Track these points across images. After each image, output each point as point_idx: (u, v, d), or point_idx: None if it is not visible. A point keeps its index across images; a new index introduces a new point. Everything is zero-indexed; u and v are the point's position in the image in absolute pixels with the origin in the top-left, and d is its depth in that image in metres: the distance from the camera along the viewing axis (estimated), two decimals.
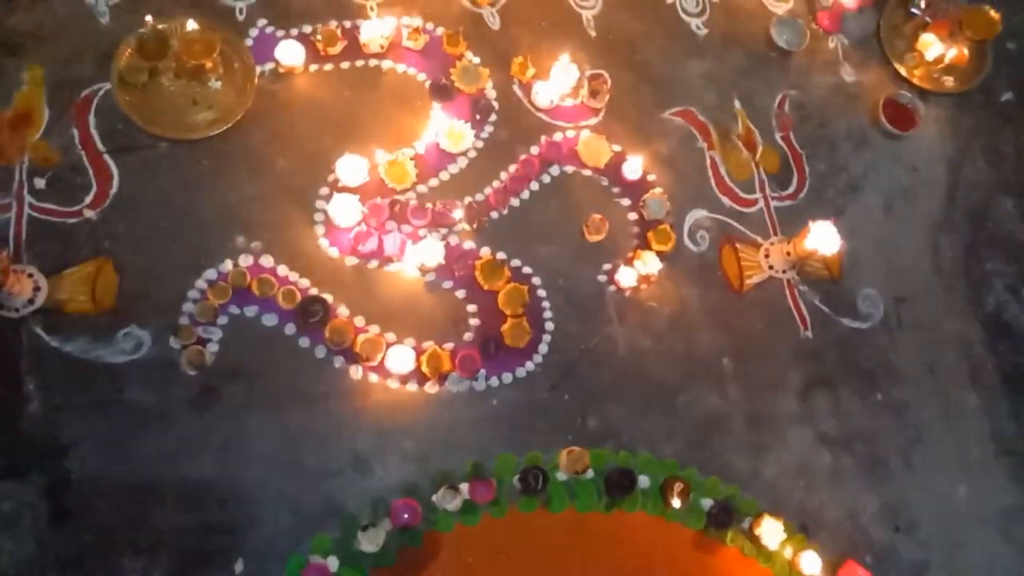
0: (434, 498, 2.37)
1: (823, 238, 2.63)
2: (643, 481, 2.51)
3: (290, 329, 2.45)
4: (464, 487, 2.38)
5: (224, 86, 2.63)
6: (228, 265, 2.46)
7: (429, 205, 2.67)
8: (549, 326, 2.64)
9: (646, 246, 2.77)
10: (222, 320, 2.42)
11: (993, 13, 3.19)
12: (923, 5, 3.28)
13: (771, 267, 2.84)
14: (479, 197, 2.73)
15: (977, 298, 3.05)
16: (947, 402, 2.90)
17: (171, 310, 2.39)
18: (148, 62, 2.52)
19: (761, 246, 2.87)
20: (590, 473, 2.47)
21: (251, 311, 2.45)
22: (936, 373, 2.92)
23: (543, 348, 2.61)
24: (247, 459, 2.32)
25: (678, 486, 2.47)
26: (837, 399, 2.79)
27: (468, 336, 2.57)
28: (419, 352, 2.50)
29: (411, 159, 2.70)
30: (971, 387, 2.94)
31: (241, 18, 2.74)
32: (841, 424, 2.76)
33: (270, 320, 2.45)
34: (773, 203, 2.97)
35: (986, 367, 2.97)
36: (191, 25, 2.54)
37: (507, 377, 2.55)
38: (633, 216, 2.83)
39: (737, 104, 3.06)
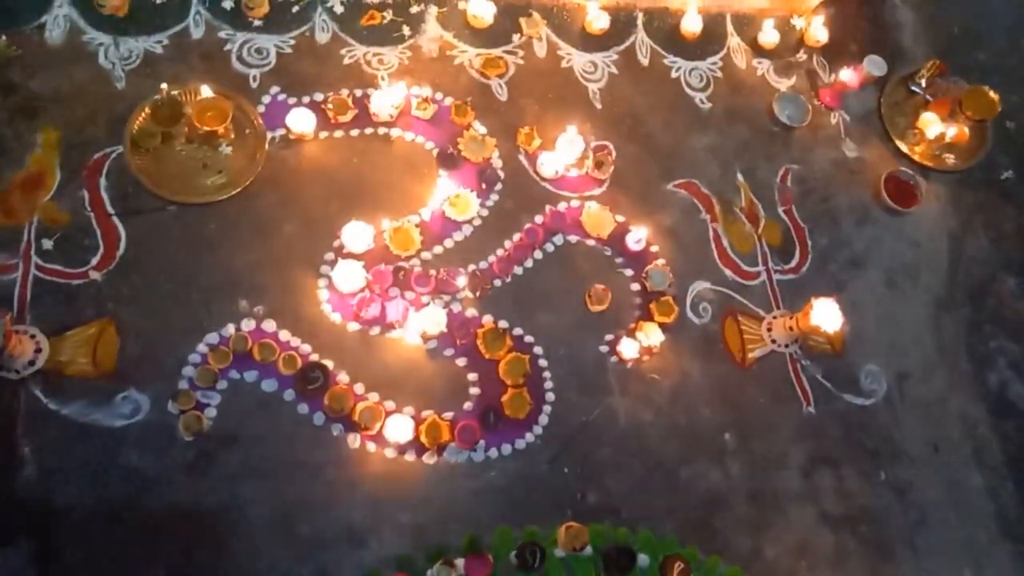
0: (429, 573, 2.32)
1: (826, 315, 2.63)
2: (642, 560, 2.47)
3: (289, 395, 2.44)
4: (460, 562, 2.34)
5: (235, 151, 2.67)
6: (230, 329, 2.47)
7: (433, 272, 2.68)
8: (550, 396, 2.62)
9: (648, 317, 2.77)
10: (221, 385, 2.41)
11: (992, 94, 3.25)
12: (924, 84, 3.35)
13: (773, 341, 2.83)
14: (483, 265, 2.75)
15: (980, 376, 3.03)
16: (951, 482, 2.86)
17: (171, 374, 2.39)
18: (161, 127, 2.56)
19: (764, 319, 2.87)
20: (588, 550, 2.42)
21: (251, 376, 2.44)
22: (940, 452, 2.89)
23: (543, 419, 2.59)
24: (241, 528, 2.29)
25: (678, 566, 2.43)
26: (840, 477, 2.75)
27: (468, 405, 2.56)
28: (418, 421, 2.48)
29: (416, 226, 2.73)
30: (976, 467, 2.90)
31: (254, 85, 2.80)
32: (844, 503, 2.72)
33: (270, 386, 2.44)
34: (775, 276, 2.98)
35: (990, 447, 2.94)
36: (205, 92, 2.60)
37: (506, 448, 2.53)
38: (636, 287, 2.84)
39: (740, 177, 3.10)
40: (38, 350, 2.30)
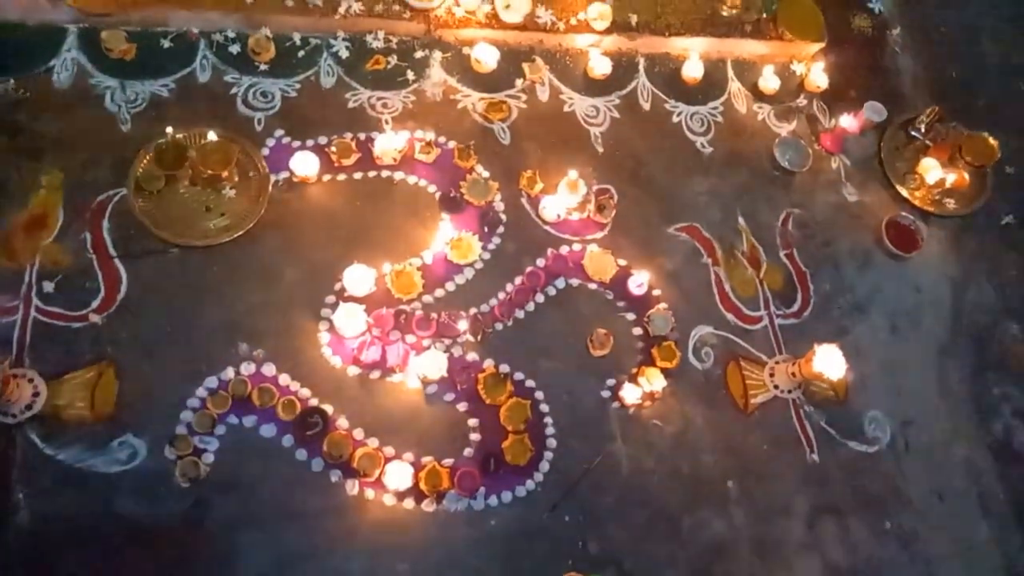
0: None
1: (829, 362, 2.62)
2: None
3: (288, 441, 2.42)
4: None
5: (238, 194, 2.68)
6: (230, 373, 2.45)
7: (434, 316, 2.67)
8: (551, 443, 2.60)
9: (650, 362, 2.76)
10: (220, 430, 2.39)
11: (992, 140, 3.28)
12: (923, 129, 3.37)
13: (776, 387, 2.82)
14: (484, 308, 2.74)
15: (985, 423, 3.01)
16: (957, 532, 2.82)
17: (169, 418, 2.37)
18: (166, 171, 2.58)
19: (766, 365, 2.85)
20: None
21: (250, 421, 2.42)
22: (945, 501, 2.85)
23: (544, 466, 2.56)
24: None
25: None
26: (845, 527, 2.71)
27: (468, 451, 2.53)
28: (418, 468, 2.46)
29: (418, 269, 2.72)
30: (982, 517, 2.87)
31: (259, 128, 2.82)
32: (850, 554, 2.68)
33: (268, 431, 2.42)
34: (778, 321, 2.96)
35: (996, 496, 2.90)
36: (210, 136, 2.61)
37: (507, 496, 2.50)
38: (638, 331, 2.83)
39: (741, 221, 3.11)
40: (36, 394, 2.28)
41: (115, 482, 2.27)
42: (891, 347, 3.04)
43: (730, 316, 2.92)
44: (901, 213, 3.24)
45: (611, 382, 2.72)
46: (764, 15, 3.40)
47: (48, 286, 2.44)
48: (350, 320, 2.55)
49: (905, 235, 3.21)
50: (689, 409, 2.75)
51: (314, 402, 2.48)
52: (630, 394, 2.67)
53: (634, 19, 3.24)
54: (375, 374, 2.57)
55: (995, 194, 3.40)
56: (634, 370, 2.75)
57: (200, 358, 2.45)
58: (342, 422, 2.48)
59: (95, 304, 2.45)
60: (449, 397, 2.59)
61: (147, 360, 2.42)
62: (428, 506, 2.43)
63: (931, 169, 3.28)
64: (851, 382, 2.87)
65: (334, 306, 2.59)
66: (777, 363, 2.85)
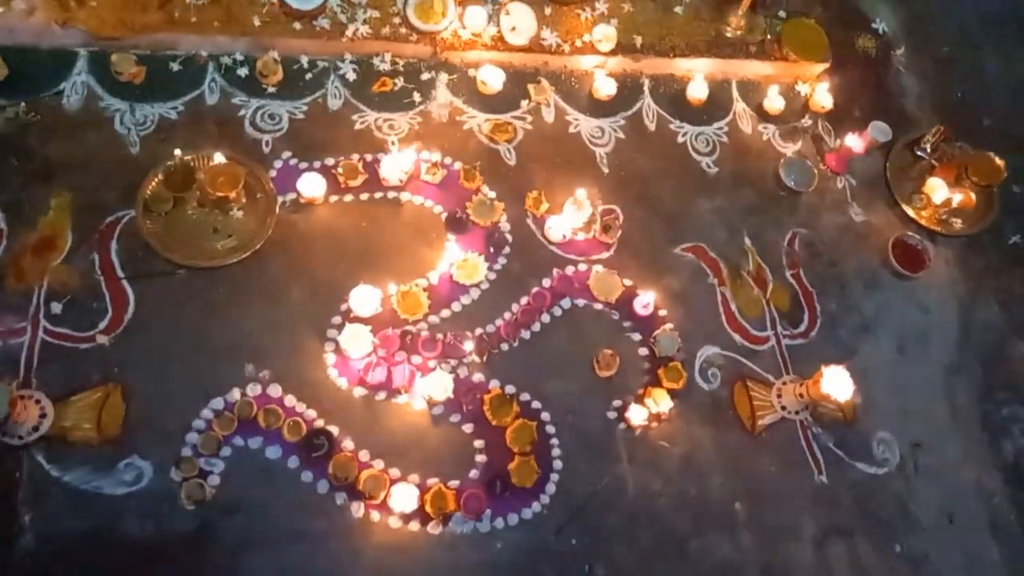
0: None
1: (836, 383, 2.61)
2: None
3: (293, 462, 2.41)
4: None
5: (246, 215, 2.69)
6: (236, 394, 2.45)
7: (440, 336, 2.67)
8: (557, 464, 2.58)
9: (657, 383, 2.75)
10: (225, 451, 2.38)
11: (998, 160, 3.28)
12: (929, 149, 3.37)
13: (784, 408, 2.80)
14: (490, 329, 2.74)
15: (995, 444, 2.99)
16: (968, 555, 2.79)
17: (175, 440, 2.37)
18: (174, 192, 2.59)
19: (773, 385, 2.84)
20: None
21: (255, 443, 2.42)
22: (955, 523, 2.82)
23: (550, 488, 2.55)
24: None
25: None
26: (855, 550, 2.69)
27: (474, 473, 2.52)
28: (423, 490, 2.45)
29: (424, 290, 2.73)
30: (992, 539, 2.84)
31: (267, 150, 2.84)
32: None
33: (274, 453, 2.42)
34: (785, 341, 2.96)
35: (1007, 517, 2.88)
36: (218, 158, 2.63)
37: (513, 519, 2.48)
38: (644, 351, 2.82)
39: (747, 241, 3.10)
40: (42, 415, 2.29)
41: (120, 504, 2.27)
42: (899, 367, 3.03)
43: (737, 336, 2.92)
44: (908, 233, 3.24)
45: (617, 403, 2.71)
46: (768, 36, 3.42)
47: (56, 307, 2.45)
48: (356, 341, 2.56)
49: (912, 255, 3.20)
50: (696, 430, 2.74)
51: (320, 423, 2.48)
52: (636, 415, 2.66)
53: (639, 41, 3.26)
54: (381, 395, 2.56)
55: (1002, 214, 3.39)
56: (640, 391, 2.74)
57: (206, 379, 2.46)
58: (347, 443, 2.47)
59: (103, 325, 2.46)
60: (455, 418, 2.58)
61: (153, 381, 2.42)
62: (434, 528, 2.42)
63: (937, 189, 3.27)
64: (859, 403, 2.85)
65: (340, 327, 2.60)
66: (784, 384, 2.83)
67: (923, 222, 3.30)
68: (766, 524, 2.65)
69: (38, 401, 2.30)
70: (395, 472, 2.46)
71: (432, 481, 2.47)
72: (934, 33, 3.83)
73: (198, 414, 2.40)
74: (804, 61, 3.43)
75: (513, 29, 3.14)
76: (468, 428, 2.58)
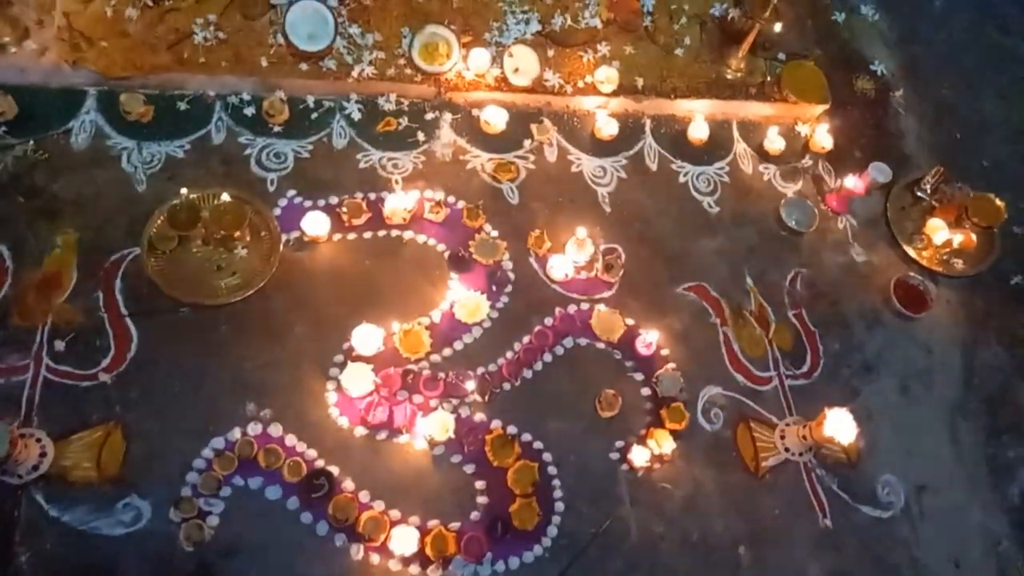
0: None
1: (840, 426, 2.59)
2: None
3: (293, 503, 2.40)
4: None
5: (250, 253, 2.71)
6: (236, 433, 2.44)
7: (441, 375, 2.67)
8: (559, 507, 2.56)
9: (659, 424, 2.74)
10: (225, 492, 2.37)
11: (998, 201, 3.29)
12: (929, 190, 3.39)
13: (787, 449, 2.78)
14: (492, 368, 2.73)
15: (1001, 488, 2.96)
16: None
17: (175, 480, 2.35)
18: (179, 231, 2.61)
19: (777, 427, 2.83)
20: None
21: (255, 483, 2.40)
22: (962, 569, 2.79)
23: (552, 531, 2.52)
24: None
25: None
26: None
27: (475, 515, 2.50)
28: (423, 532, 2.42)
29: (426, 328, 2.73)
30: None
31: (272, 188, 2.86)
32: None
33: (273, 493, 2.40)
34: (788, 382, 2.95)
35: (1015, 564, 2.83)
36: (224, 197, 2.65)
37: (514, 562, 2.46)
38: (646, 391, 2.81)
39: (749, 281, 3.11)
40: (43, 454, 2.28)
41: (119, 545, 2.24)
42: (902, 409, 3.01)
43: (739, 377, 2.91)
44: (910, 274, 3.24)
45: (620, 444, 2.69)
46: (768, 78, 3.47)
47: (59, 345, 2.45)
48: (357, 380, 2.56)
49: (914, 295, 3.20)
50: (699, 472, 2.72)
51: (320, 464, 2.46)
52: (639, 456, 2.64)
53: (640, 82, 3.31)
54: (382, 435, 2.55)
55: (1003, 255, 3.39)
56: (643, 432, 2.73)
57: (207, 418, 2.45)
58: (348, 484, 2.45)
59: (105, 363, 2.46)
60: (456, 459, 2.57)
61: (155, 420, 2.41)
62: (434, 572, 2.39)
63: (938, 230, 3.29)
64: (863, 445, 2.84)
65: (342, 365, 2.59)
66: (788, 425, 2.82)
67: (924, 262, 3.30)
68: (770, 568, 2.62)
69: (39, 440, 2.29)
70: (395, 514, 2.44)
71: (433, 523, 2.45)
72: (932, 75, 3.88)
73: (199, 453, 2.39)
74: (804, 102, 3.46)
75: (516, 70, 3.18)
76: (469, 469, 2.56)
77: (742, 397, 2.87)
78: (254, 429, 2.46)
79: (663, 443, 2.66)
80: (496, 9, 3.23)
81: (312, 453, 2.48)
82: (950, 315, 3.25)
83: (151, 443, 2.38)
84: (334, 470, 2.46)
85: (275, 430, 2.48)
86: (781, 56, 3.53)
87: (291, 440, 2.48)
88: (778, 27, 3.32)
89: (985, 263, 3.37)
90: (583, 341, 2.85)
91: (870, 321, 3.16)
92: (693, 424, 2.78)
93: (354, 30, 3.07)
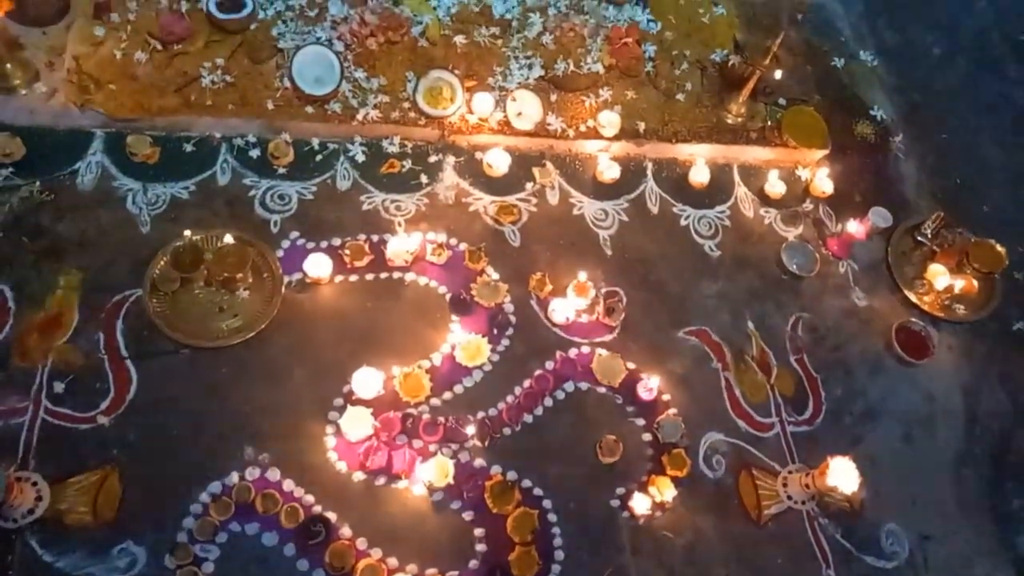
0: None
1: (843, 475, 2.57)
2: None
3: (290, 550, 2.37)
4: None
5: (252, 294, 2.71)
6: (234, 478, 2.42)
7: (441, 420, 2.65)
8: (559, 555, 2.53)
9: (661, 470, 2.71)
10: (221, 537, 2.34)
11: (999, 247, 3.30)
12: (929, 235, 3.40)
13: (790, 497, 2.75)
14: (492, 412, 2.72)
15: (1007, 538, 2.92)
16: None
17: (171, 524, 2.33)
18: (181, 273, 2.62)
19: (779, 474, 2.80)
20: None
21: (252, 529, 2.37)
22: None
23: None
24: None
25: None
26: None
27: (473, 563, 2.47)
28: None
29: (426, 371, 2.72)
30: None
31: (275, 230, 2.88)
32: None
33: (270, 539, 2.37)
34: (790, 428, 2.93)
35: None
36: (227, 239, 2.67)
37: None
38: (647, 437, 2.79)
39: (750, 325, 3.11)
40: (39, 498, 2.25)
41: None
42: (906, 456, 2.99)
43: (741, 423, 2.89)
44: (911, 319, 3.24)
45: (621, 491, 2.67)
46: (768, 123, 3.50)
47: (59, 387, 2.44)
48: (357, 423, 2.54)
49: (916, 341, 3.19)
50: (700, 520, 2.69)
51: (318, 509, 2.44)
52: (640, 504, 2.62)
53: (642, 126, 3.34)
54: (380, 480, 2.53)
55: (1005, 300, 3.40)
56: (644, 478, 2.70)
57: (205, 462, 2.43)
58: (345, 531, 2.43)
59: (104, 405, 2.45)
60: (455, 505, 2.54)
61: (152, 463, 2.40)
62: None
63: (939, 275, 3.29)
64: (866, 493, 2.80)
65: (342, 409, 2.58)
66: (790, 473, 2.79)
67: (926, 307, 3.30)
68: None
69: (35, 483, 2.27)
70: (393, 561, 2.41)
71: (430, 571, 2.42)
72: (931, 120, 3.91)
73: (195, 498, 2.37)
74: (804, 147, 3.49)
75: (519, 114, 3.22)
76: (468, 516, 2.53)
77: (744, 444, 2.86)
78: (252, 473, 2.45)
79: (664, 490, 2.63)
80: (500, 55, 3.28)
81: (310, 498, 2.45)
82: (952, 361, 3.24)
83: (148, 487, 2.36)
84: (332, 516, 2.43)
85: (273, 475, 2.46)
86: (781, 101, 3.58)
87: (289, 485, 2.46)
88: (778, 74, 3.36)
89: (987, 309, 3.37)
90: (584, 385, 2.84)
91: (872, 366, 3.15)
92: (695, 471, 2.75)
93: (359, 74, 3.11)
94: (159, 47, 2.94)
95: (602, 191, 3.27)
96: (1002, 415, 3.17)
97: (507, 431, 2.70)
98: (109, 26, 2.95)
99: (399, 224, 2.99)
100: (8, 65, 2.78)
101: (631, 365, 2.89)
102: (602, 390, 2.85)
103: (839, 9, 4.20)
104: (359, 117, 3.06)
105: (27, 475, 2.28)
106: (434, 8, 3.26)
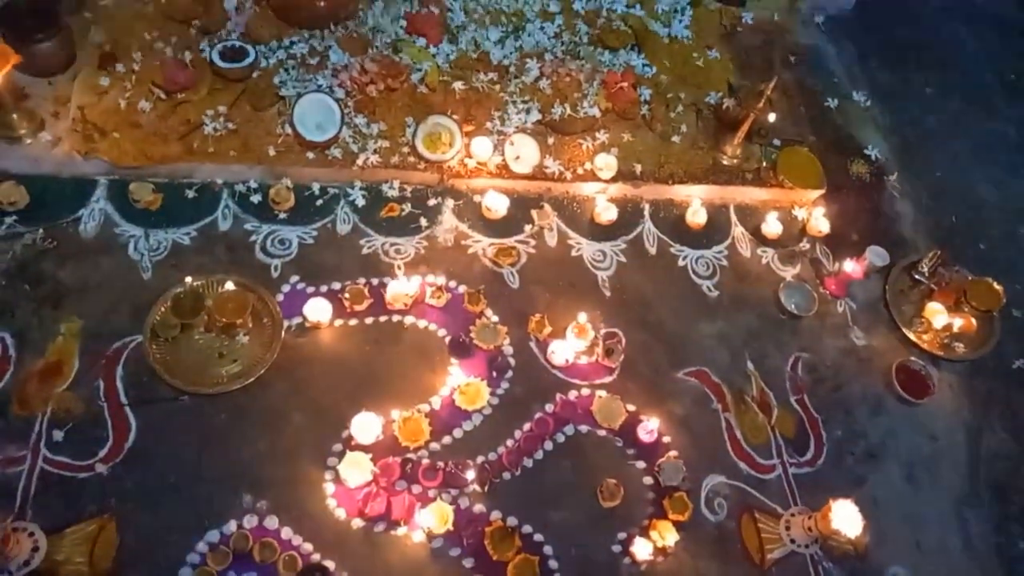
0: None
1: (846, 518, 2.54)
2: None
3: None
4: None
5: (251, 340, 2.72)
6: (232, 526, 2.41)
7: (441, 465, 2.64)
8: None
9: (662, 514, 2.69)
10: None
11: (996, 285, 3.32)
12: (927, 273, 3.41)
13: (792, 540, 2.72)
14: (492, 456, 2.71)
15: None
16: None
17: (168, 575, 2.30)
18: (182, 319, 2.63)
19: (782, 517, 2.78)
20: None
21: None
22: None
23: None
24: None
25: None
26: None
27: None
28: None
29: (426, 416, 2.72)
30: None
31: (276, 274, 2.89)
32: None
33: None
34: (791, 470, 2.91)
35: None
36: (228, 285, 2.68)
37: None
38: (648, 480, 2.78)
39: (750, 365, 3.10)
40: (35, 548, 2.23)
41: None
42: (909, 497, 2.96)
43: (743, 465, 2.87)
44: (911, 358, 3.24)
45: (622, 536, 2.65)
46: (764, 164, 3.54)
47: (58, 435, 2.44)
48: (356, 469, 2.53)
49: (916, 380, 3.19)
50: (703, 564, 2.66)
51: (316, 557, 2.42)
52: (642, 549, 2.59)
53: (638, 168, 3.38)
54: (380, 527, 2.51)
55: (1004, 338, 3.39)
56: (645, 522, 2.68)
57: (203, 510, 2.42)
58: None
59: (102, 453, 2.44)
60: (455, 552, 2.52)
61: (150, 512, 2.38)
62: None
63: (938, 313, 3.30)
64: (870, 536, 2.77)
65: (341, 455, 2.57)
66: (793, 515, 2.77)
67: (925, 346, 3.30)
68: None
69: (31, 534, 2.25)
70: None
71: None
72: (926, 159, 3.96)
73: (193, 547, 2.36)
74: (799, 187, 3.53)
75: (517, 158, 3.26)
76: (468, 563, 2.51)
77: (746, 486, 2.83)
78: (250, 521, 2.43)
79: (666, 535, 2.61)
80: (497, 100, 3.33)
81: (308, 547, 2.43)
82: (953, 400, 3.23)
83: (145, 536, 2.35)
84: (330, 564, 2.41)
85: (271, 522, 2.44)
86: (776, 142, 3.62)
87: (287, 533, 2.44)
88: (772, 117, 3.40)
89: (986, 347, 3.37)
90: (584, 428, 2.83)
91: (873, 406, 3.14)
92: (696, 514, 2.73)
93: (359, 120, 3.15)
94: (163, 96, 2.99)
95: (600, 232, 3.30)
96: (1005, 454, 3.15)
97: (507, 475, 2.69)
98: (114, 76, 3.00)
99: (399, 267, 3.01)
100: (14, 115, 2.83)
101: (631, 407, 2.89)
102: (602, 433, 2.84)
103: (831, 50, 4.26)
104: (359, 162, 3.10)
105: (24, 525, 2.26)
106: (433, 56, 3.32)
